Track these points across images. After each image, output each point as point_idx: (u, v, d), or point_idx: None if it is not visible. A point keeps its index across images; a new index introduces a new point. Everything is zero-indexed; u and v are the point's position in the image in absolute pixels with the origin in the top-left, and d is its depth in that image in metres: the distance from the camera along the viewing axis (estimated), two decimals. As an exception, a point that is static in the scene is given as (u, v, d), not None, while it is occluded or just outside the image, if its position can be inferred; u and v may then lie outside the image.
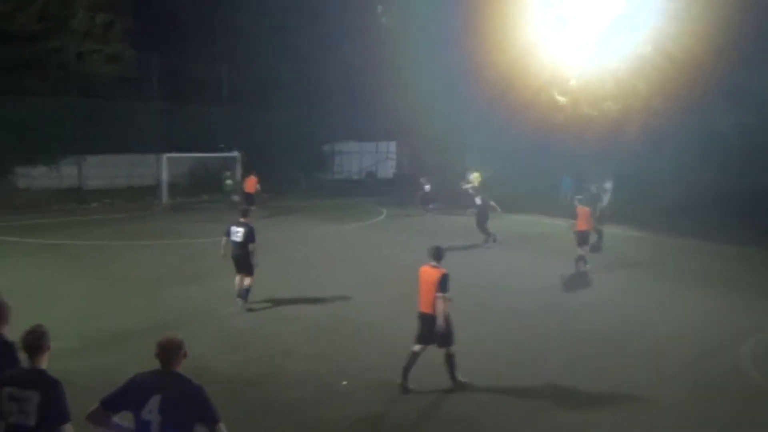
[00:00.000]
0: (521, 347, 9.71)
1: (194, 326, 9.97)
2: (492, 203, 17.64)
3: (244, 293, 10.99)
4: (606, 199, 23.02)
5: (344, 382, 8.12)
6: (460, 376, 8.00)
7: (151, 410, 4.09)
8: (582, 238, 14.07)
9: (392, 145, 33.21)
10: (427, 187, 18.43)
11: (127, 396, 4.17)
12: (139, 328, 9.67)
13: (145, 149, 25.05)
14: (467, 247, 17.31)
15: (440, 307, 7.58)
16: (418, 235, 19.04)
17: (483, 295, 12.35)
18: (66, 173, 24.24)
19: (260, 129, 27.33)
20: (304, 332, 10.01)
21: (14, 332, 4.55)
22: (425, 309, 7.78)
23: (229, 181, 22.48)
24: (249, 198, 20.50)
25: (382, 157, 33.06)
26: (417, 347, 7.90)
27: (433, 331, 7.66)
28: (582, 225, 14.08)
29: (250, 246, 10.81)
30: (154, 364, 4.26)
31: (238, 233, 10.89)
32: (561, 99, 23.99)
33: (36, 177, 23.14)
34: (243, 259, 10.91)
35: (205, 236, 16.75)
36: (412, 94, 25.50)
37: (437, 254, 7.90)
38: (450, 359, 7.93)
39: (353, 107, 28.61)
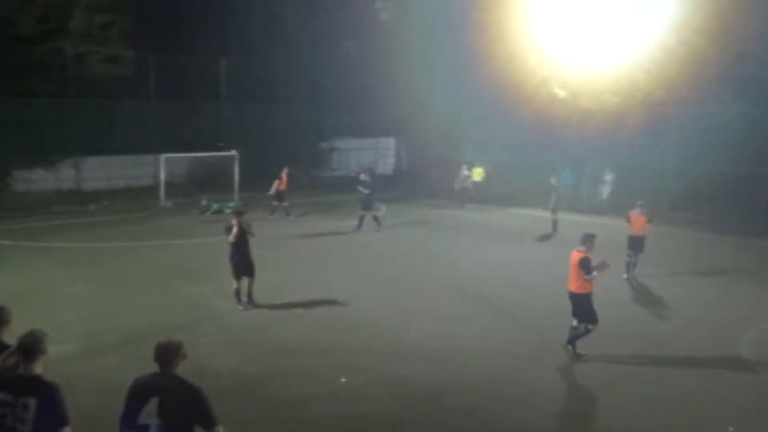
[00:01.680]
0: (526, 343, 9.86)
1: (196, 326, 10.16)
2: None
3: (249, 296, 11.16)
4: (606, 191, 23.29)
5: (343, 379, 8.29)
6: (579, 349, 8.99)
7: (150, 413, 4.14)
8: (633, 244, 13.85)
9: (391, 142, 33.32)
10: (362, 177, 18.26)
11: (135, 401, 4.21)
12: (141, 330, 9.83)
13: (143, 149, 25.14)
14: (473, 240, 17.48)
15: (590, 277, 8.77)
16: (419, 229, 19.40)
17: (491, 290, 12.47)
18: (64, 175, 24.36)
19: (259, 126, 27.39)
20: (305, 330, 10.23)
21: (16, 337, 4.60)
22: (571, 288, 9.06)
23: (204, 202, 22.08)
24: (279, 196, 20.38)
25: (381, 153, 33.07)
26: (574, 322, 9.09)
27: (578, 307, 8.86)
28: (637, 229, 13.88)
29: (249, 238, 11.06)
30: (156, 367, 4.33)
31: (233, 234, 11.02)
32: (560, 92, 24.09)
33: (34, 180, 23.25)
34: (243, 258, 11.03)
35: (205, 236, 16.89)
36: (412, 90, 25.56)
37: (583, 239, 9.16)
38: (575, 330, 8.97)
39: (352, 103, 28.58)
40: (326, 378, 8.35)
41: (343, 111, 29.28)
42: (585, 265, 8.81)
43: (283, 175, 20.43)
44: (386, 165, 33.27)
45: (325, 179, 29.24)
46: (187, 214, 21.52)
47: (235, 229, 10.97)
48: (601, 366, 8.97)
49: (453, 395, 7.92)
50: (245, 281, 11.16)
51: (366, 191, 18.28)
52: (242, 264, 11.07)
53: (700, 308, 11.69)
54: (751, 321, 10.81)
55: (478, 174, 23.55)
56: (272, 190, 20.40)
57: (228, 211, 20.57)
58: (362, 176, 18.98)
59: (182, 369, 4.39)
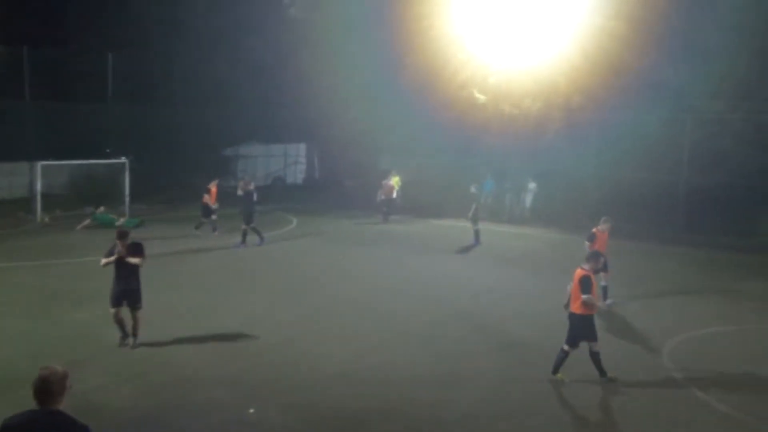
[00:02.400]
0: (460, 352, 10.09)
1: (81, 357, 9.72)
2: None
3: (133, 333, 10.27)
4: (529, 200, 24.31)
5: (251, 410, 8.17)
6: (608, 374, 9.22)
7: None
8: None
9: (302, 148, 33.30)
10: (245, 186, 18.36)
11: None
12: (13, 363, 9.28)
13: (17, 156, 23.84)
14: (392, 254, 17.84)
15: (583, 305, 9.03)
16: (331, 243, 19.46)
17: (409, 308, 12.64)
18: None
19: (153, 131, 26.59)
20: (207, 356, 10.00)
21: None
22: (571, 308, 9.24)
23: (100, 209, 21.38)
24: (206, 210, 19.75)
25: (291, 161, 33.00)
26: (565, 346, 9.27)
27: (575, 329, 9.09)
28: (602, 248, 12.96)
29: (138, 261, 10.08)
30: (34, 404, 4.01)
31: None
32: (481, 97, 24.96)
33: None
34: (123, 289, 10.09)
35: (91, 254, 16.13)
36: (325, 92, 25.73)
37: (588, 257, 9.53)
38: (592, 355, 9.15)
39: (259, 107, 28.40)
40: (233, 409, 8.20)
41: (249, 114, 29.08)
42: (585, 284, 8.96)
43: (212, 187, 19.89)
44: (297, 173, 33.29)
45: (228, 189, 28.73)
46: (70, 229, 20.56)
47: (114, 254, 10.00)
48: (526, 384, 9.30)
49: (370, 422, 7.95)
50: (128, 312, 10.22)
51: (252, 202, 18.20)
52: (121, 295, 10.13)
53: (623, 319, 12.33)
54: (673, 330, 11.50)
55: (395, 183, 23.88)
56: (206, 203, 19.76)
57: (117, 224, 19.94)
58: (244, 186, 18.59)
59: (65, 406, 4.10)
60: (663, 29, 21.18)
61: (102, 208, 21.48)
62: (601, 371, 9.17)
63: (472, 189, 19.88)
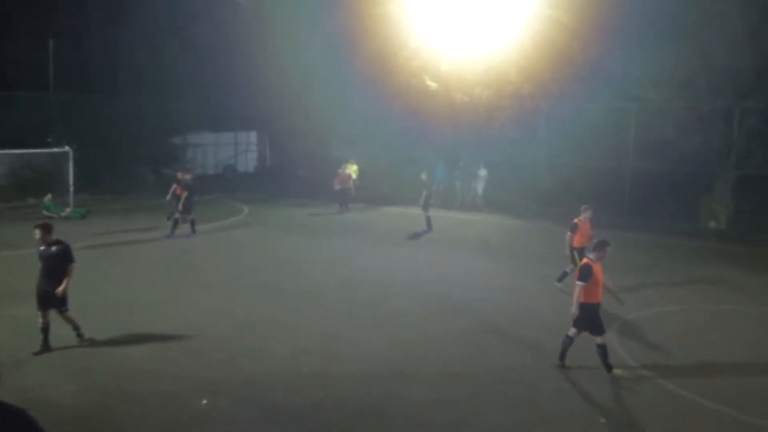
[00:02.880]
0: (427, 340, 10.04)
1: (22, 352, 9.35)
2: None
3: (75, 332, 9.70)
4: (480, 187, 24.58)
5: (204, 401, 7.98)
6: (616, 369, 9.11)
7: None
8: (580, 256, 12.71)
9: (253, 136, 32.82)
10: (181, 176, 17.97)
11: None
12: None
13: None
14: (344, 243, 17.69)
15: (574, 294, 9.00)
16: (283, 233, 19.25)
17: (364, 297, 12.53)
18: None
19: (97, 119, 25.74)
20: (154, 350, 9.72)
21: None
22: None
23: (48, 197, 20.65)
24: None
25: (242, 149, 32.52)
26: (571, 332, 9.17)
27: (582, 319, 8.97)
28: (579, 241, 12.98)
29: (70, 267, 9.43)
30: None
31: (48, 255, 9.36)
32: (432, 85, 24.96)
33: None
34: (47, 288, 9.35)
35: (33, 246, 15.55)
36: (276, 80, 25.46)
37: (594, 246, 9.33)
38: (599, 348, 9.00)
39: (208, 94, 27.80)
40: (184, 401, 8.01)
41: (198, 102, 28.45)
42: (582, 272, 8.86)
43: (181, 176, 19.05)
44: (248, 162, 32.83)
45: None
46: (7, 220, 19.74)
47: (54, 248, 9.28)
48: (474, 370, 9.32)
49: (327, 413, 7.88)
50: (56, 315, 9.53)
51: (185, 193, 17.67)
52: (42, 297, 9.39)
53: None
54: (622, 311, 11.71)
55: (353, 171, 23.74)
56: (169, 196, 18.86)
57: (62, 215, 19.30)
58: (183, 176, 18.11)
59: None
60: (610, 19, 21.38)
61: (49, 195, 20.72)
62: (606, 365, 9.02)
63: (423, 176, 19.86)
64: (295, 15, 25.50)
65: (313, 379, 8.75)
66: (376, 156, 26.68)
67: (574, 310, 8.97)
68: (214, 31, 27.71)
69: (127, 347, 9.81)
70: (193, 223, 17.83)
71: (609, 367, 9.05)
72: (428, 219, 19.47)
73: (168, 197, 18.78)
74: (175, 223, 17.75)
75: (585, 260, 9.14)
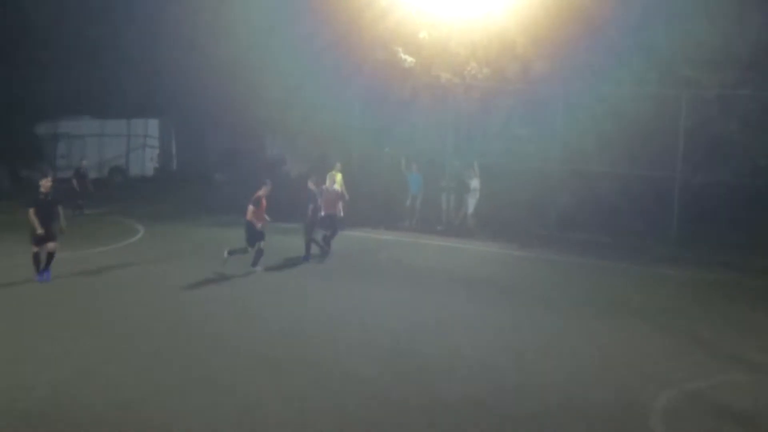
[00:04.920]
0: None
1: None
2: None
3: None
4: (471, 202, 24.65)
5: None
6: None
7: None
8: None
9: (153, 126, 32.40)
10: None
11: None
12: None
13: None
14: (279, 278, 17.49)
15: None
16: (194, 264, 18.93)
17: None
18: None
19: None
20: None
21: None
22: None
23: None
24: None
25: (137, 144, 32.22)
26: None
27: None
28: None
29: None
30: None
31: None
32: (407, 59, 24.54)
33: None
34: None
35: None
36: (186, 48, 25.48)
37: None
38: None
39: (88, 68, 27.19)
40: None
41: (74, 78, 28.02)
42: None
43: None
44: (145, 162, 32.52)
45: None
46: None
47: None
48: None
49: None
50: None
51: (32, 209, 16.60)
52: None
53: (606, 355, 12.30)
54: (664, 383, 11.43)
55: (338, 183, 22.57)
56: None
57: None
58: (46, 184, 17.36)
59: None
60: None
61: None
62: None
63: (310, 185, 19.60)
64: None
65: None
66: (329, 156, 26.06)
67: None
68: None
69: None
70: (49, 258, 16.85)
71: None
72: (308, 244, 19.35)
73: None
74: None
75: None
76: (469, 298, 16.54)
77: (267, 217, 18.30)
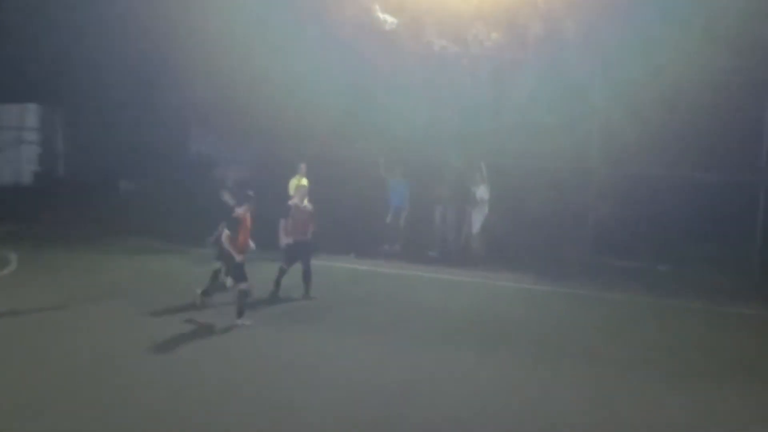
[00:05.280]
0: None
1: None
2: None
3: None
4: (478, 219, 22.56)
5: None
6: None
7: None
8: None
9: (31, 115, 31.28)
10: None
11: None
12: None
13: None
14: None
15: None
16: (83, 307, 16.50)
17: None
18: None
19: None
20: None
21: None
22: None
23: None
24: None
25: (6, 139, 30.93)
26: None
27: None
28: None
29: None
30: None
31: None
32: (388, 20, 22.65)
33: None
34: None
35: None
36: (74, 16, 24.71)
37: None
38: None
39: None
40: None
41: None
42: None
43: None
44: (21, 165, 31.63)
45: None
46: None
47: None
48: None
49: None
50: None
51: None
52: None
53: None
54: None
55: (300, 192, 20.81)
56: None
57: None
58: None
59: None
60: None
61: None
62: None
63: (225, 196, 17.88)
64: None
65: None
66: (285, 154, 23.99)
67: None
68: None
69: None
70: None
71: None
72: (215, 273, 17.32)
73: None
74: None
75: None
76: (478, 352, 14.48)
77: (252, 244, 16.32)
